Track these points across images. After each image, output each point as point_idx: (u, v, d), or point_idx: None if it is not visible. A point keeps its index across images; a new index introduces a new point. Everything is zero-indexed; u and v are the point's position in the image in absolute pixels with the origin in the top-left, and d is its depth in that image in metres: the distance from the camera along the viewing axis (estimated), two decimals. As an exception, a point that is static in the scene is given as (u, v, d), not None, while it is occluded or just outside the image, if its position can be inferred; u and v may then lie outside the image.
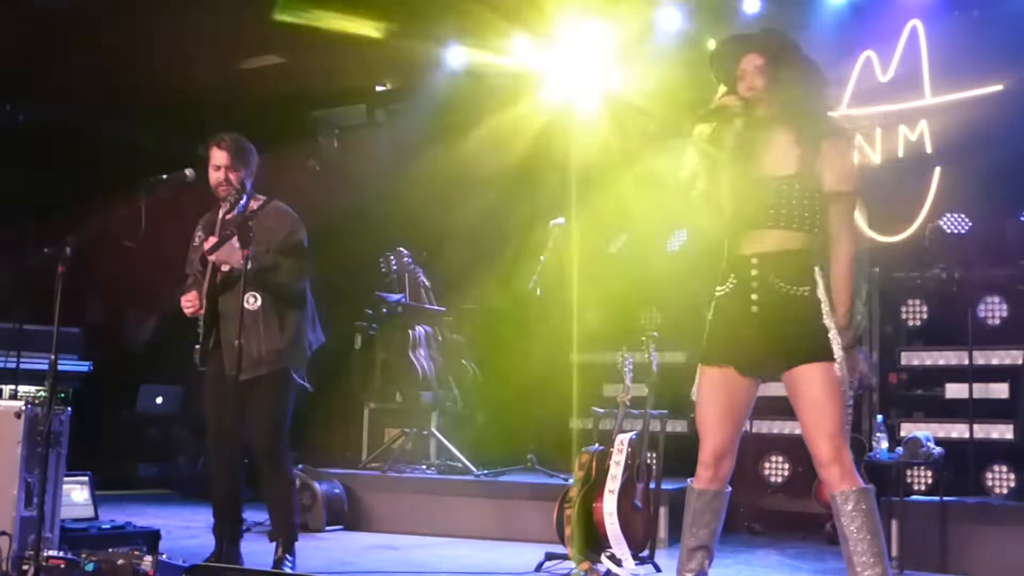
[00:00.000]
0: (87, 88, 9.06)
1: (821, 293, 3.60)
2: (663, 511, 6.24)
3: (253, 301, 4.99)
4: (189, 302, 5.04)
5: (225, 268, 4.99)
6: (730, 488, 3.80)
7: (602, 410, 6.06)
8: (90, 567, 4.19)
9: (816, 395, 3.54)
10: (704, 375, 3.75)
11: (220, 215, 5.14)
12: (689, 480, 3.84)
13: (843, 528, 3.50)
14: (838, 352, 3.54)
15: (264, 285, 4.97)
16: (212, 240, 4.94)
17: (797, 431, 7.09)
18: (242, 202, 4.99)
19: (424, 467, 7.53)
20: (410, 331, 7.93)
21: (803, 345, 3.57)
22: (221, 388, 4.91)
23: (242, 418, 5.00)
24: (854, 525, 3.46)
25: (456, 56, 9.65)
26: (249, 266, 4.80)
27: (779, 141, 3.66)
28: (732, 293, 3.69)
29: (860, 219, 7.61)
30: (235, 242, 4.72)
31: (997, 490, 6.70)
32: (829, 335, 3.55)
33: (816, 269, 3.62)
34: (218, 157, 5.07)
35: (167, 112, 9.67)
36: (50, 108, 9.32)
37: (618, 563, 5.27)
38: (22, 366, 6.01)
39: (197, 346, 5.08)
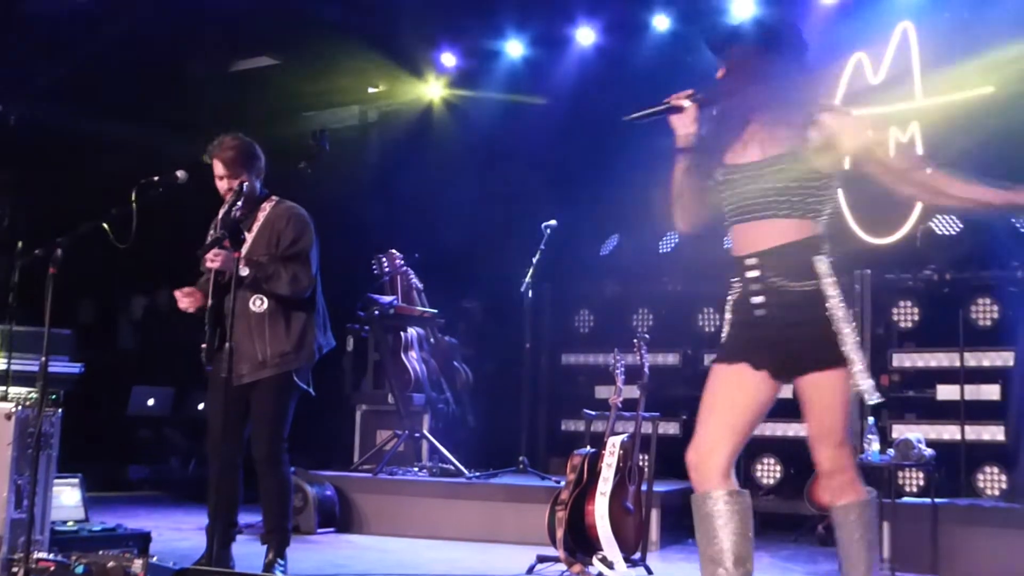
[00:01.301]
0: (78, 89, 9.04)
1: (827, 286, 3.31)
2: (655, 513, 6.24)
3: (260, 303, 4.96)
4: (185, 295, 4.95)
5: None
6: (743, 490, 3.40)
7: (593, 412, 6.05)
8: (80, 569, 4.17)
9: (827, 403, 3.32)
10: (714, 373, 3.46)
11: (219, 215, 5.12)
12: None
13: (842, 539, 3.41)
14: (851, 352, 3.27)
15: (264, 292, 4.95)
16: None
17: (790, 433, 7.22)
18: (238, 204, 4.92)
19: (416, 469, 7.51)
20: (402, 333, 7.93)
21: (813, 350, 3.31)
22: (223, 390, 4.86)
23: (243, 420, 4.99)
24: (855, 535, 3.38)
25: (448, 58, 9.69)
26: (246, 272, 4.79)
27: (758, 123, 3.40)
28: (739, 298, 3.45)
29: (849, 220, 7.63)
30: (227, 245, 4.71)
31: (988, 492, 6.71)
32: (840, 336, 3.28)
33: (817, 259, 3.31)
34: (216, 167, 5.02)
35: (159, 113, 9.66)
36: (41, 110, 9.30)
37: (609, 566, 5.26)
38: (13, 368, 5.98)
39: (203, 346, 5.00)
